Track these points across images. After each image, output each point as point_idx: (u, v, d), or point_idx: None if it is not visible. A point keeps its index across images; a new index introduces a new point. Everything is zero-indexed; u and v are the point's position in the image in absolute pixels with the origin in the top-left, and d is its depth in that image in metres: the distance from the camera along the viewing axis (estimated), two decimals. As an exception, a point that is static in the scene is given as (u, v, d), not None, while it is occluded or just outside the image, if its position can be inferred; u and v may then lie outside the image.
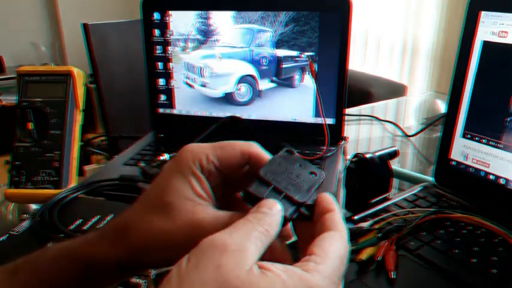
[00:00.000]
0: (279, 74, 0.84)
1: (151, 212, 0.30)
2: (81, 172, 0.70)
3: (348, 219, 0.55)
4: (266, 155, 0.32)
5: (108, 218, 0.56)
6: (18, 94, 0.67)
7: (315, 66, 0.80)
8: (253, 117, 0.86)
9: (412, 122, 1.13)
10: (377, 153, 0.64)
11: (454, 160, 0.63)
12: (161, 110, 0.89)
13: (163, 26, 0.85)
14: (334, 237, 0.27)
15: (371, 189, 0.63)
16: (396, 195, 0.62)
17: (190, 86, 0.88)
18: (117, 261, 0.30)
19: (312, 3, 0.79)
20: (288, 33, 0.81)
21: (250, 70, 0.84)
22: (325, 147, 0.76)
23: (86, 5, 3.11)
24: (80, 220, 0.55)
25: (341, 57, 0.79)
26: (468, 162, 0.61)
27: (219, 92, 0.87)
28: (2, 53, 2.97)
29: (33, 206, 0.65)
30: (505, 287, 0.44)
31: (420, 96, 1.76)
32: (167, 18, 0.85)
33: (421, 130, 0.99)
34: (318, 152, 0.76)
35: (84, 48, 1.41)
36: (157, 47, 0.86)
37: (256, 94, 0.85)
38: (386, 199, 0.63)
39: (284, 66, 0.83)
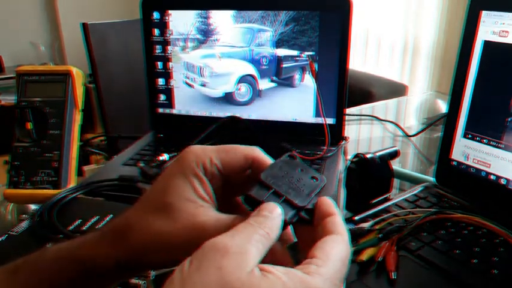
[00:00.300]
0: (279, 73, 0.83)
1: (152, 213, 0.30)
2: (80, 172, 0.69)
3: (349, 220, 0.55)
4: (268, 160, 0.32)
5: (108, 219, 0.55)
6: (17, 94, 0.66)
7: (315, 65, 0.80)
8: (253, 117, 0.86)
9: (412, 122, 1.13)
10: (378, 153, 0.64)
11: (455, 160, 0.62)
12: (161, 110, 0.89)
13: (163, 25, 0.85)
14: (335, 240, 0.27)
15: (372, 190, 0.63)
16: (397, 196, 0.62)
17: (190, 85, 0.87)
18: (117, 262, 0.30)
19: (312, 2, 0.79)
20: (288, 33, 0.81)
21: (250, 70, 0.84)
22: (325, 147, 0.75)
23: (85, 5, 3.10)
24: (79, 220, 0.55)
25: (341, 56, 0.79)
26: (469, 163, 0.61)
27: (219, 92, 0.87)
28: (1, 53, 2.97)
29: (32, 206, 0.65)
30: (505, 287, 0.44)
31: (421, 96, 1.75)
32: (167, 18, 0.85)
33: (422, 130, 0.99)
34: (318, 152, 0.75)
35: (83, 48, 1.41)
36: (157, 46, 0.86)
37: (256, 94, 0.85)
38: (387, 199, 0.63)
39: (284, 65, 0.83)
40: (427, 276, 0.46)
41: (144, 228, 0.30)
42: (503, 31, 0.56)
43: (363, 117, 1.11)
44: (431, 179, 0.66)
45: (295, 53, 0.82)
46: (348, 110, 1.10)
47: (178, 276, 0.23)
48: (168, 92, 0.88)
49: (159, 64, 0.87)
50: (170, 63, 0.87)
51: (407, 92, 2.01)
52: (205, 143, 0.75)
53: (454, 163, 0.62)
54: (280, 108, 0.85)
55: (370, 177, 0.63)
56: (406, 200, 0.60)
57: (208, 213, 0.29)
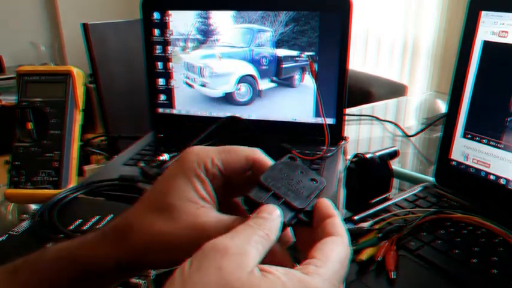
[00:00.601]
0: (279, 73, 0.83)
1: (152, 213, 0.30)
2: (80, 172, 0.70)
3: (348, 220, 0.55)
4: (269, 162, 0.32)
5: (108, 218, 0.56)
6: (18, 94, 0.66)
7: (315, 66, 0.80)
8: (253, 117, 0.86)
9: (412, 122, 1.13)
10: (377, 153, 0.64)
11: (455, 160, 0.62)
12: (161, 110, 0.89)
13: (163, 25, 0.85)
14: (335, 241, 0.27)
15: (371, 190, 0.63)
16: (396, 196, 0.62)
17: (190, 85, 0.88)
18: (117, 262, 0.30)
19: (312, 3, 0.79)
20: (288, 33, 0.81)
21: (250, 70, 0.84)
22: (325, 147, 0.76)
23: (85, 5, 3.10)
24: (80, 220, 0.55)
25: (341, 57, 0.79)
26: (468, 163, 0.61)
27: (219, 92, 0.87)
28: (1, 53, 2.97)
29: (33, 206, 0.65)
30: (505, 287, 0.44)
31: (420, 96, 1.76)
32: (167, 18, 0.85)
33: (422, 130, 0.99)
34: (318, 152, 0.75)
35: (83, 48, 1.41)
36: (157, 46, 0.86)
37: (256, 94, 0.85)
38: (386, 199, 0.63)
39: (284, 66, 0.83)
40: (427, 275, 0.46)
41: (145, 229, 0.30)
42: (502, 31, 0.56)
43: (362, 117, 1.11)
44: (431, 179, 0.66)
45: (295, 53, 0.82)
46: (348, 110, 1.11)
47: (179, 276, 0.24)
48: (168, 92, 0.88)
49: (159, 64, 0.87)
50: (170, 64, 0.87)
51: (407, 92, 2.01)
52: (205, 143, 0.76)
53: (454, 163, 0.63)
54: (280, 108, 0.85)
55: (369, 177, 0.63)
56: (405, 199, 0.60)
57: (209, 213, 0.30)
